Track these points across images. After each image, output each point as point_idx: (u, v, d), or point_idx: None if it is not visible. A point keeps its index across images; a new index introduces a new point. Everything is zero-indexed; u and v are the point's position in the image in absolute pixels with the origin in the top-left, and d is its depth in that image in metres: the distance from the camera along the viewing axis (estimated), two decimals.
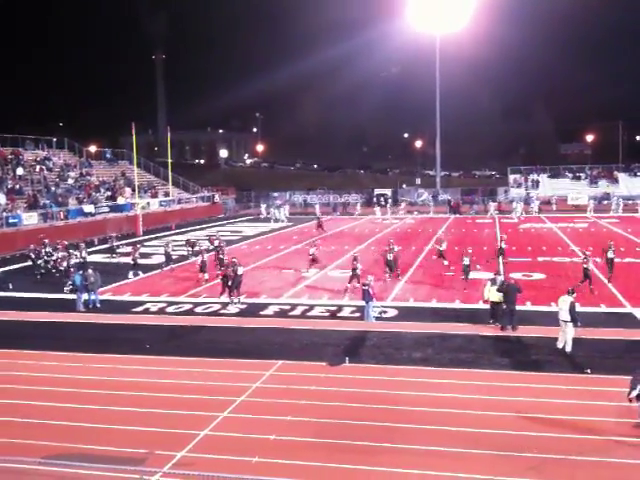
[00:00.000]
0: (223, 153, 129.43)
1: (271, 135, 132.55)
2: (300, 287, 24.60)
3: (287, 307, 21.10)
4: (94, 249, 36.02)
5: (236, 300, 21.50)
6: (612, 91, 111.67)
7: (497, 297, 17.73)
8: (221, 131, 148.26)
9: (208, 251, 28.93)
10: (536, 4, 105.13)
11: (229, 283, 21.64)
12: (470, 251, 25.51)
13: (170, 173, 58.42)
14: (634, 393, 10.48)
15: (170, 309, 21.39)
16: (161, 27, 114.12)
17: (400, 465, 10.15)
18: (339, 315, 20.02)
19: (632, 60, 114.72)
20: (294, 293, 23.49)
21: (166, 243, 29.79)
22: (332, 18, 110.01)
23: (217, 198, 64.54)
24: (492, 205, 55.61)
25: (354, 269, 23.10)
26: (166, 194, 58.06)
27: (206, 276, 25.53)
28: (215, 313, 20.69)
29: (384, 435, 11.23)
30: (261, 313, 20.53)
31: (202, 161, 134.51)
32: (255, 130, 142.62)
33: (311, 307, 21.08)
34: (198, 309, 21.27)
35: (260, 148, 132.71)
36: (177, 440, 11.17)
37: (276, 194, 71.95)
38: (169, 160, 57.39)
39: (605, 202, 58.76)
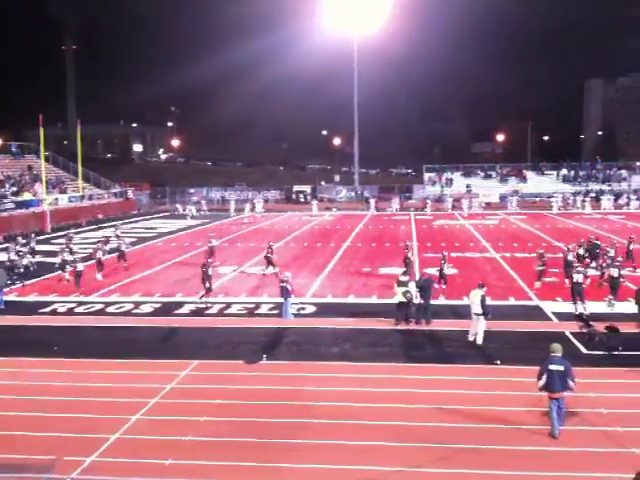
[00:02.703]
0: (137, 147, 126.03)
1: (187, 130, 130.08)
2: (217, 285, 24.22)
3: (203, 305, 20.72)
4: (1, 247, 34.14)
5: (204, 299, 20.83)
6: (523, 93, 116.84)
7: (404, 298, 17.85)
8: (135, 125, 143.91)
9: (71, 252, 27.41)
10: (452, 8, 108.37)
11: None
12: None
13: (80, 168, 56.29)
14: (540, 383, 10.99)
15: (80, 309, 20.57)
16: (72, 16, 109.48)
17: (317, 461, 10.15)
18: (257, 312, 19.87)
19: (543, 65, 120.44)
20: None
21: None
22: (250, 13, 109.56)
23: (130, 194, 62.74)
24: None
25: (441, 270, 22.20)
26: (76, 189, 55.88)
27: (67, 276, 24.44)
28: (128, 313, 20.07)
29: (302, 432, 11.20)
30: (176, 312, 20.09)
31: (115, 155, 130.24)
32: (171, 124, 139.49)
33: (228, 305, 20.80)
34: (110, 309, 20.55)
35: (176, 143, 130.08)
36: (87, 445, 10.73)
37: (192, 190, 70.66)
38: (79, 154, 55.28)
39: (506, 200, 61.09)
